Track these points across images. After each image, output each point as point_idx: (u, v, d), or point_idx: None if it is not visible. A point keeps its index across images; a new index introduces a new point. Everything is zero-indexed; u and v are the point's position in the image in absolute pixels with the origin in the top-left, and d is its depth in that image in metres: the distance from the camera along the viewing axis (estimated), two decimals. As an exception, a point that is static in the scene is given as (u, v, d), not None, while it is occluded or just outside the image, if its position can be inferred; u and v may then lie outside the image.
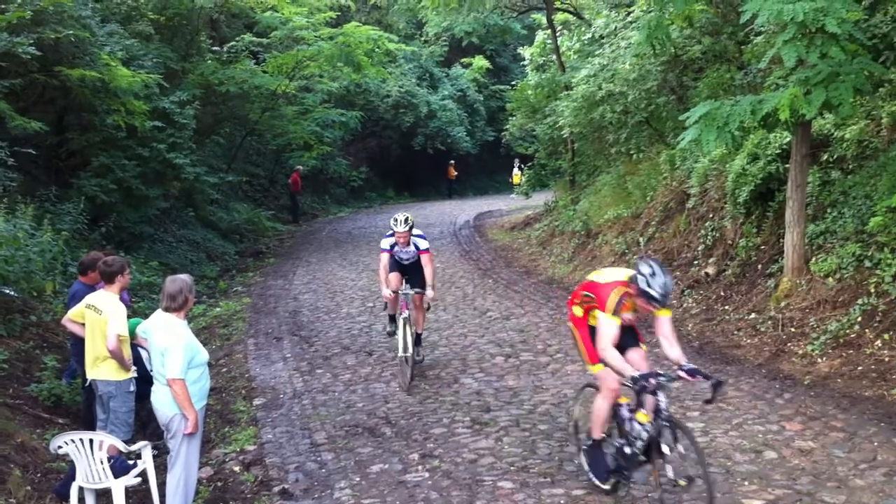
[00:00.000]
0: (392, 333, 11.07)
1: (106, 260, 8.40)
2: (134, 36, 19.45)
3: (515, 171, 27.45)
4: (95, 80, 15.80)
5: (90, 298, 8.14)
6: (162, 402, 6.84)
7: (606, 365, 6.53)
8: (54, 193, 15.27)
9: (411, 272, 10.89)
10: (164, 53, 21.11)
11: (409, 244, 10.62)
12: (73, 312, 8.32)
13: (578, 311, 7.01)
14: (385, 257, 10.74)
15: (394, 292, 10.59)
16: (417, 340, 11.00)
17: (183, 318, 6.94)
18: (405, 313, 10.42)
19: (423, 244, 10.72)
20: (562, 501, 6.84)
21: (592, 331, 6.76)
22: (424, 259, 10.67)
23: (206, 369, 7.07)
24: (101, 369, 7.91)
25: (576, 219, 19.56)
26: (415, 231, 10.66)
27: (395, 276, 10.83)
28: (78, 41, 15.34)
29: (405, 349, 10.35)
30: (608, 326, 6.44)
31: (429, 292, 10.55)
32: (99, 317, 7.90)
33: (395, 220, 10.55)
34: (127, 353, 7.96)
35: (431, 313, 14.40)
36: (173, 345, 6.71)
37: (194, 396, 6.80)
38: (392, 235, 10.60)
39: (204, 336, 13.31)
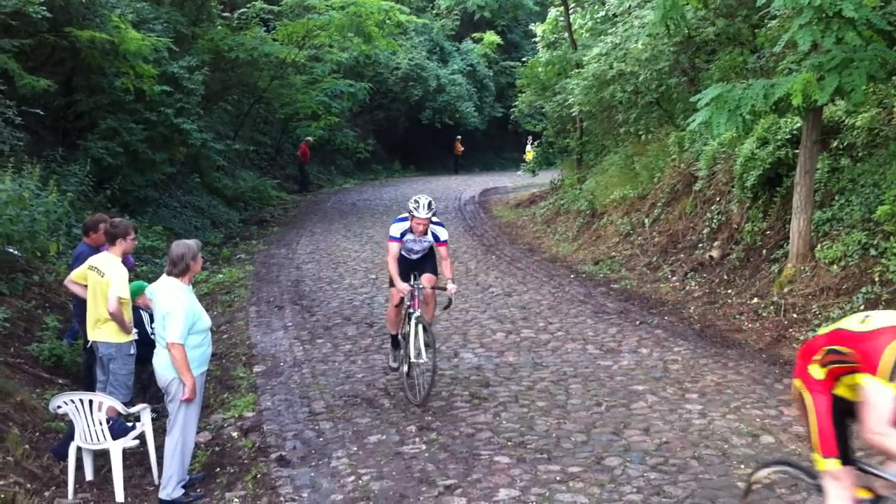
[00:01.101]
0: (397, 368, 9.48)
1: (112, 221, 8.39)
2: (144, -1, 19.38)
3: (528, 147, 27.41)
4: (105, 42, 15.75)
5: (93, 260, 8.13)
6: (162, 365, 6.86)
7: (882, 451, 4.41)
8: (61, 154, 15.27)
9: (419, 266, 9.39)
10: (175, 17, 21.02)
11: (426, 233, 8.97)
12: (76, 274, 8.31)
13: (819, 372, 4.71)
14: (395, 247, 8.97)
15: (409, 287, 8.97)
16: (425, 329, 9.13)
17: (186, 283, 6.93)
18: (417, 311, 8.88)
19: (443, 234, 9.13)
20: (558, 478, 6.85)
21: (839, 405, 4.63)
22: (443, 252, 9.13)
23: (207, 335, 7.08)
24: (101, 331, 7.91)
25: (581, 198, 19.52)
26: (433, 218, 8.98)
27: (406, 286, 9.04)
28: (88, 2, 15.28)
29: (418, 354, 8.72)
30: (884, 398, 4.25)
31: (451, 286, 8.92)
32: (101, 279, 7.90)
33: (417, 202, 8.72)
34: (128, 315, 7.97)
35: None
36: (174, 309, 6.72)
37: (194, 362, 6.81)
38: (405, 220, 8.91)
39: (206, 302, 13.33)
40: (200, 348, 6.94)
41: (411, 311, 8.90)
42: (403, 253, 9.20)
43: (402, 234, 8.95)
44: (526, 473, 6.96)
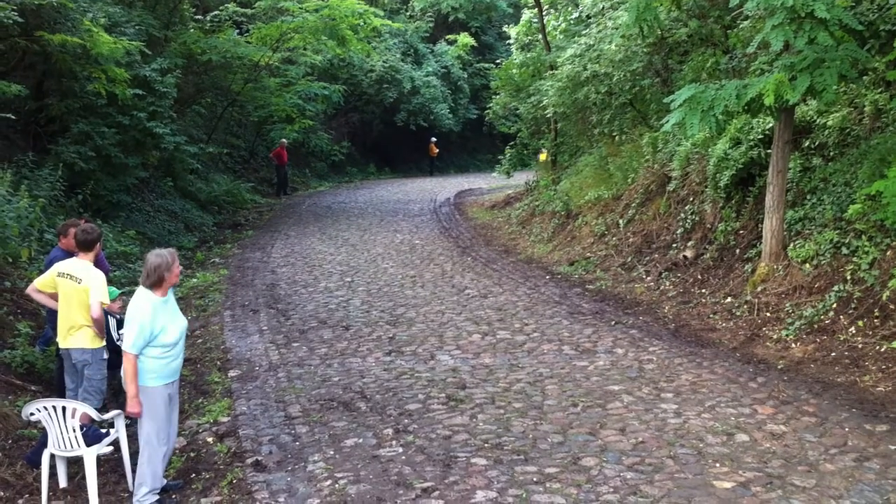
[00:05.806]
0: None
1: (85, 228, 8.27)
2: (117, 2, 19.23)
3: (543, 150, 27.32)
4: (77, 46, 15.61)
5: (64, 267, 8.04)
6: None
7: None
8: (32, 159, 15.13)
9: None
10: (147, 21, 20.87)
11: None
12: (41, 282, 8.20)
13: None
14: None
15: None
16: None
17: (161, 295, 6.81)
18: None
19: None
20: (535, 479, 6.85)
21: None
22: None
23: (175, 349, 6.91)
24: (76, 338, 7.86)
25: (556, 199, 19.56)
26: None
27: None
28: (60, 6, 15.15)
29: None
30: None
31: None
32: (78, 286, 7.82)
33: None
34: (100, 320, 7.92)
35: (409, 289, 14.42)
36: (132, 318, 6.64)
37: (153, 373, 6.67)
38: None
39: (180, 307, 13.19)
40: (162, 360, 6.76)
41: None
42: None
43: None
44: (503, 475, 6.96)
